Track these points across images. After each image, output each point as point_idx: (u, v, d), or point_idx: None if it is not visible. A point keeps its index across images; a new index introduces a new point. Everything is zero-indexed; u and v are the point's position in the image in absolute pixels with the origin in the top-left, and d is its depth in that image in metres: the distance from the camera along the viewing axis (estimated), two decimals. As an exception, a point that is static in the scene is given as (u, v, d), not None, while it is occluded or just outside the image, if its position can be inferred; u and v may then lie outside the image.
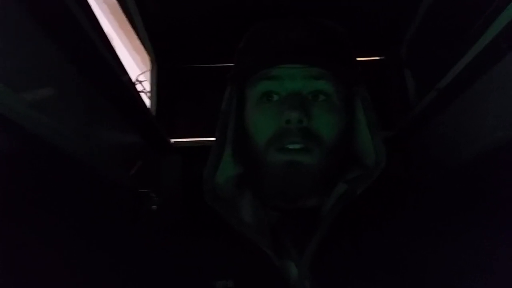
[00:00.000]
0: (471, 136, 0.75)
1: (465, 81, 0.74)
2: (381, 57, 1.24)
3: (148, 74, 1.31)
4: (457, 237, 0.60)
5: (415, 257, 0.59)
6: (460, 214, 0.63)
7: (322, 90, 0.64)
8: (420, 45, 1.06)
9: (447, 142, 0.86)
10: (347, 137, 0.68)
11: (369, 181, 0.64)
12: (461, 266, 0.57)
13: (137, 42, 1.37)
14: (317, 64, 0.64)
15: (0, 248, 0.51)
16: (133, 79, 1.61)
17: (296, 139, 0.61)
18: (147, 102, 1.22)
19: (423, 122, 0.96)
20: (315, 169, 0.62)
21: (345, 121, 0.66)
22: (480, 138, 0.72)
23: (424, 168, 0.99)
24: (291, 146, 0.61)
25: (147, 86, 1.31)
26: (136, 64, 1.95)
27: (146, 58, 1.29)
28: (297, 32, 0.65)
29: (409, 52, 1.11)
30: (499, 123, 0.66)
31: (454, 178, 0.84)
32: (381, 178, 0.65)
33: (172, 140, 1.22)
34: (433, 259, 0.59)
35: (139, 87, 1.63)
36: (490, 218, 0.60)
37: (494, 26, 0.61)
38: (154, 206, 1.09)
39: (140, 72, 1.70)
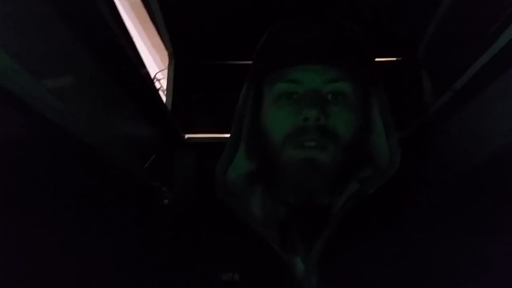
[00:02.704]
0: (484, 139, 0.74)
1: (480, 83, 0.74)
2: (398, 58, 1.23)
3: (165, 73, 1.32)
4: (467, 239, 0.59)
5: (423, 257, 0.59)
6: (470, 217, 0.63)
7: (340, 91, 0.65)
8: (437, 47, 1.06)
9: (460, 144, 0.85)
10: (363, 136, 0.68)
11: (382, 181, 0.64)
12: (471, 267, 0.57)
13: (156, 40, 1.38)
14: (335, 65, 0.64)
15: (10, 235, 0.52)
16: (152, 76, 1.64)
17: (314, 137, 0.62)
18: (164, 99, 1.24)
19: (438, 124, 0.95)
20: (330, 166, 0.62)
21: (361, 120, 0.66)
22: (493, 141, 0.71)
23: (437, 170, 0.98)
24: (307, 144, 0.62)
25: (164, 84, 1.33)
26: (154, 62, 1.98)
27: (164, 56, 1.30)
28: (315, 33, 0.66)
29: (426, 53, 1.11)
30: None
31: (466, 180, 0.83)
32: (394, 179, 0.65)
33: (187, 136, 1.23)
34: (442, 260, 0.58)
35: (157, 85, 1.65)
36: (500, 222, 0.59)
37: (511, 28, 0.60)
38: (166, 201, 1.10)
39: (158, 70, 1.72)
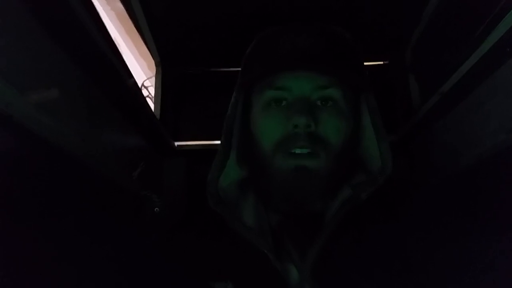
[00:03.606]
0: (474, 140, 0.75)
1: (468, 85, 0.74)
2: (385, 62, 1.24)
3: (153, 80, 1.31)
4: (460, 242, 0.60)
5: (417, 262, 0.59)
6: (462, 219, 0.63)
7: (330, 97, 0.65)
8: (424, 50, 1.06)
9: (450, 146, 0.86)
10: (354, 142, 0.68)
11: (374, 186, 0.64)
12: (463, 271, 0.57)
13: (143, 49, 1.37)
14: (325, 72, 0.64)
15: (1, 250, 0.51)
16: (139, 84, 1.63)
17: (304, 144, 0.61)
18: (152, 106, 1.23)
19: (426, 126, 0.96)
20: (321, 174, 0.62)
21: (352, 126, 0.66)
22: (482, 142, 0.71)
23: (428, 172, 0.99)
24: (298, 151, 0.62)
25: (152, 91, 1.32)
26: (142, 70, 1.97)
27: (152, 64, 1.30)
28: (304, 39, 0.65)
29: (413, 56, 1.11)
30: (502, 127, 0.66)
31: (457, 182, 0.84)
32: (386, 183, 0.65)
33: (176, 143, 1.23)
34: (436, 265, 0.58)
35: (144, 92, 1.64)
36: (492, 222, 0.60)
37: (498, 30, 0.61)
38: (157, 209, 1.09)
39: (145, 78, 1.71)
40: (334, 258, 0.60)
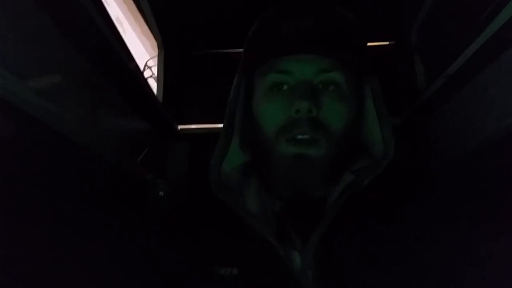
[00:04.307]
0: (478, 124, 0.74)
1: (473, 68, 0.73)
2: (391, 42, 1.22)
3: (156, 60, 1.30)
4: (462, 227, 0.59)
5: (420, 247, 0.59)
6: (465, 204, 0.63)
7: (332, 80, 0.64)
8: (430, 31, 1.05)
9: (454, 130, 0.85)
10: (356, 127, 0.67)
11: (377, 171, 0.64)
12: (470, 258, 0.57)
13: (147, 28, 1.36)
14: (328, 55, 0.63)
15: (3, 235, 0.52)
16: (142, 64, 1.62)
17: (305, 130, 0.61)
18: (155, 88, 1.22)
19: (431, 109, 0.95)
20: (323, 161, 0.62)
21: (354, 110, 0.66)
22: (487, 127, 0.71)
23: (431, 157, 0.98)
24: (299, 137, 0.61)
25: (155, 71, 1.31)
26: (145, 49, 1.95)
27: (155, 44, 1.28)
28: (307, 22, 0.64)
29: (419, 37, 1.10)
30: (507, 111, 0.65)
31: (460, 167, 0.83)
32: (388, 168, 0.64)
33: (180, 127, 1.22)
34: (437, 251, 0.58)
35: (148, 72, 1.63)
36: (495, 208, 0.59)
37: (505, 13, 0.60)
38: (161, 193, 1.10)
39: (149, 57, 1.69)
40: (336, 244, 0.60)
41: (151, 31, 1.20)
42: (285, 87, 0.64)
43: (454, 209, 0.62)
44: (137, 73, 0.85)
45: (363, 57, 0.68)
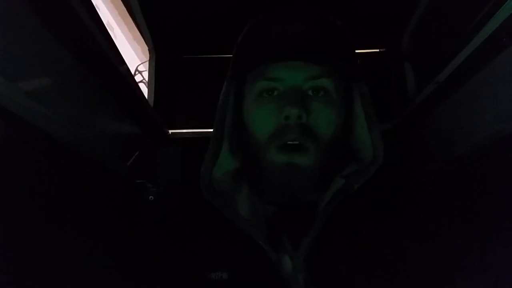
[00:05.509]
0: (469, 129, 0.75)
1: (464, 74, 0.74)
2: (382, 49, 1.23)
3: (147, 65, 1.30)
4: (454, 231, 0.60)
5: (410, 252, 0.59)
6: (457, 208, 0.63)
7: (322, 87, 0.64)
8: (421, 38, 1.06)
9: (445, 135, 0.86)
10: (345, 132, 0.68)
11: (367, 176, 0.64)
12: (458, 261, 0.58)
13: (137, 33, 1.36)
14: (317, 62, 0.63)
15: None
16: (133, 69, 1.61)
17: (295, 136, 0.61)
18: (146, 93, 1.22)
19: (422, 115, 0.96)
20: (312, 169, 0.62)
21: (343, 116, 0.66)
22: (478, 132, 0.71)
23: (422, 162, 0.99)
24: (289, 142, 0.62)
25: (146, 76, 1.30)
26: (136, 54, 1.95)
27: (146, 48, 1.28)
28: (296, 28, 0.64)
29: (410, 44, 1.11)
30: (497, 116, 0.66)
31: (452, 172, 0.84)
32: (379, 172, 0.65)
33: (171, 131, 1.22)
34: (430, 254, 0.59)
35: (138, 77, 1.62)
36: (488, 212, 0.60)
37: (495, 19, 0.60)
38: (151, 197, 1.09)
39: (139, 62, 1.68)
40: (326, 248, 0.60)
41: (142, 36, 1.20)
42: (275, 93, 0.65)
43: (445, 214, 0.63)
44: (128, 77, 0.85)
45: (352, 62, 0.68)
